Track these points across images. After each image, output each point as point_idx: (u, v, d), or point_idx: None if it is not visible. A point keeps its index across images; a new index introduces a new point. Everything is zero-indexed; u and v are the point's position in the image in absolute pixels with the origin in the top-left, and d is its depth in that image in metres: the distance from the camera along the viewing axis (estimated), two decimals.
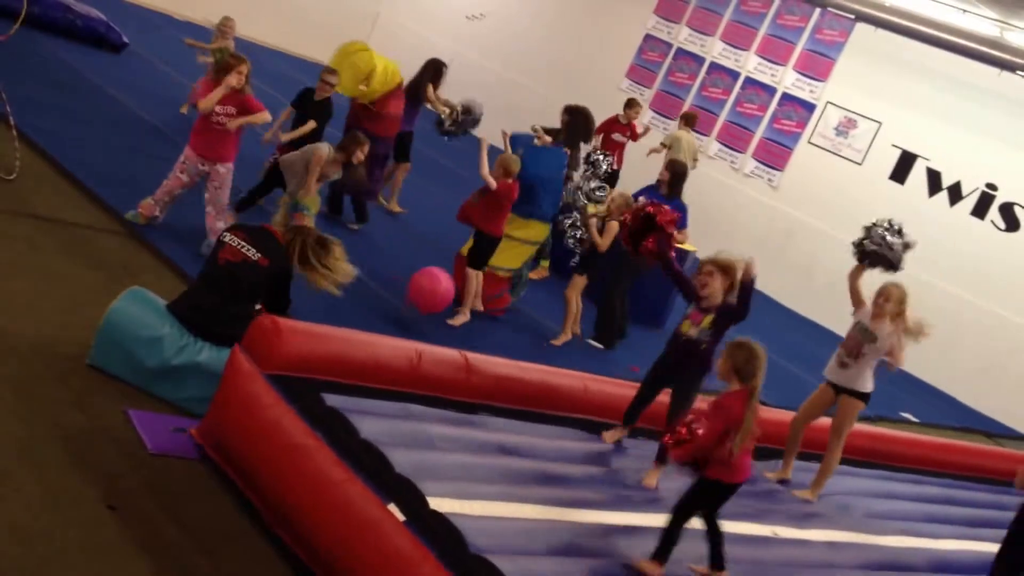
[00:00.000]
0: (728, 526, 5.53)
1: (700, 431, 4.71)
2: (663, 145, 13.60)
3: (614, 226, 8.43)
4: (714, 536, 4.93)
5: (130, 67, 12.58)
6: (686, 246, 11.06)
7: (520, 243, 8.85)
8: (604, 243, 8.53)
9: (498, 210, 8.22)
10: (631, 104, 13.31)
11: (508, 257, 8.77)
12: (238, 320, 5.43)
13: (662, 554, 4.78)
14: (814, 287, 14.51)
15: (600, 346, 9.17)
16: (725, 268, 5.84)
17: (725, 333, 5.83)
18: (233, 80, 7.43)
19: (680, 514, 4.85)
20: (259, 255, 5.61)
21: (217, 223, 7.50)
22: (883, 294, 6.72)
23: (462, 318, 8.29)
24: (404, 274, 8.60)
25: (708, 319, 5.84)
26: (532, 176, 8.63)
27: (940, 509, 7.57)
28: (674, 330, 6.06)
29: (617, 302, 9.23)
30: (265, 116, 7.74)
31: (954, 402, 13.15)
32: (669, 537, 4.79)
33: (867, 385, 6.80)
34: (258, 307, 5.71)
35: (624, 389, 6.63)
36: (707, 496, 4.89)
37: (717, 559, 4.94)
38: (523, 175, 8.39)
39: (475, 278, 8.34)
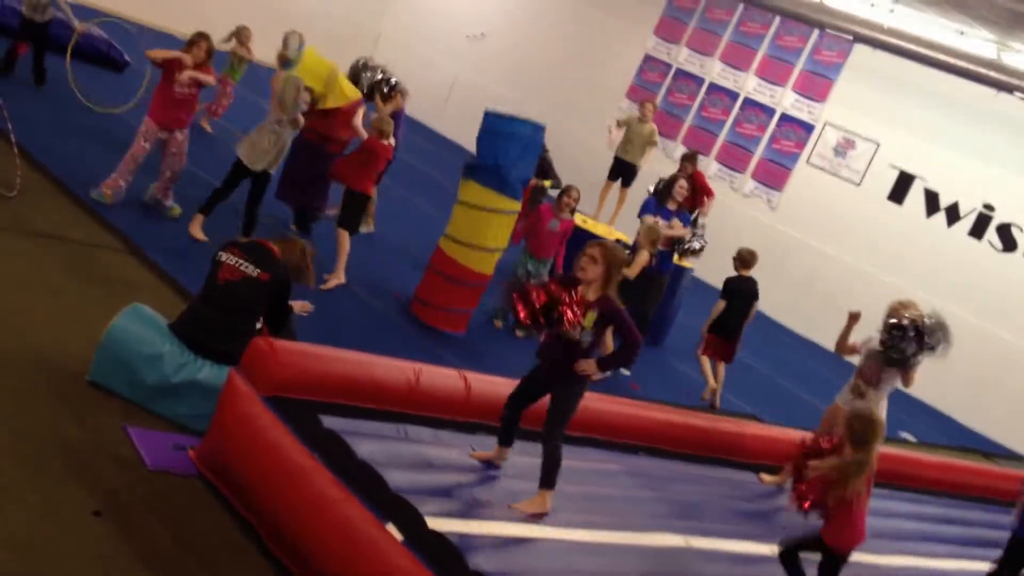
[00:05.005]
0: (727, 545, 5.55)
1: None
2: (619, 124, 13.20)
3: (644, 256, 8.73)
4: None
5: (131, 86, 12.61)
6: (684, 263, 11.10)
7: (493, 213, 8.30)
8: (633, 271, 8.67)
9: (370, 169, 8.52)
10: (689, 158, 11.86)
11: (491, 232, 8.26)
12: (239, 337, 5.45)
13: None
14: (811, 306, 14.53)
15: (626, 372, 9.12)
16: (608, 257, 5.04)
17: (604, 336, 5.20)
18: (189, 59, 8.42)
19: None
20: (258, 271, 5.63)
21: (167, 199, 8.48)
22: (900, 309, 6.76)
23: (335, 280, 8.29)
24: (404, 290, 8.63)
25: (590, 317, 5.01)
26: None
27: (937, 528, 7.58)
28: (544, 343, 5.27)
29: (643, 325, 9.17)
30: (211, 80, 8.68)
31: (949, 421, 13.15)
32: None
33: (883, 415, 6.79)
34: (259, 326, 5.73)
35: (629, 408, 6.81)
36: (816, 548, 5.33)
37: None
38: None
39: (347, 240, 8.44)
